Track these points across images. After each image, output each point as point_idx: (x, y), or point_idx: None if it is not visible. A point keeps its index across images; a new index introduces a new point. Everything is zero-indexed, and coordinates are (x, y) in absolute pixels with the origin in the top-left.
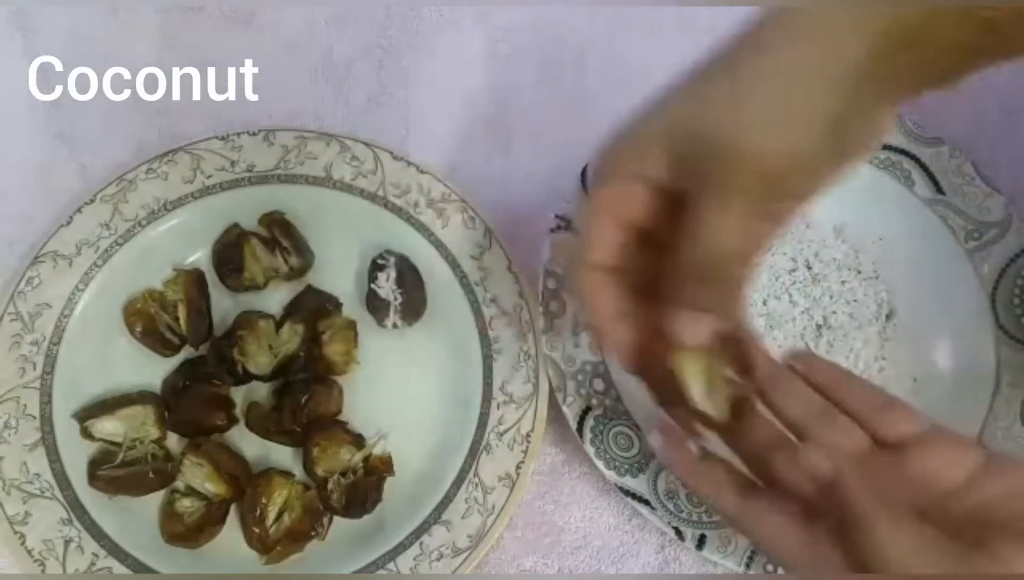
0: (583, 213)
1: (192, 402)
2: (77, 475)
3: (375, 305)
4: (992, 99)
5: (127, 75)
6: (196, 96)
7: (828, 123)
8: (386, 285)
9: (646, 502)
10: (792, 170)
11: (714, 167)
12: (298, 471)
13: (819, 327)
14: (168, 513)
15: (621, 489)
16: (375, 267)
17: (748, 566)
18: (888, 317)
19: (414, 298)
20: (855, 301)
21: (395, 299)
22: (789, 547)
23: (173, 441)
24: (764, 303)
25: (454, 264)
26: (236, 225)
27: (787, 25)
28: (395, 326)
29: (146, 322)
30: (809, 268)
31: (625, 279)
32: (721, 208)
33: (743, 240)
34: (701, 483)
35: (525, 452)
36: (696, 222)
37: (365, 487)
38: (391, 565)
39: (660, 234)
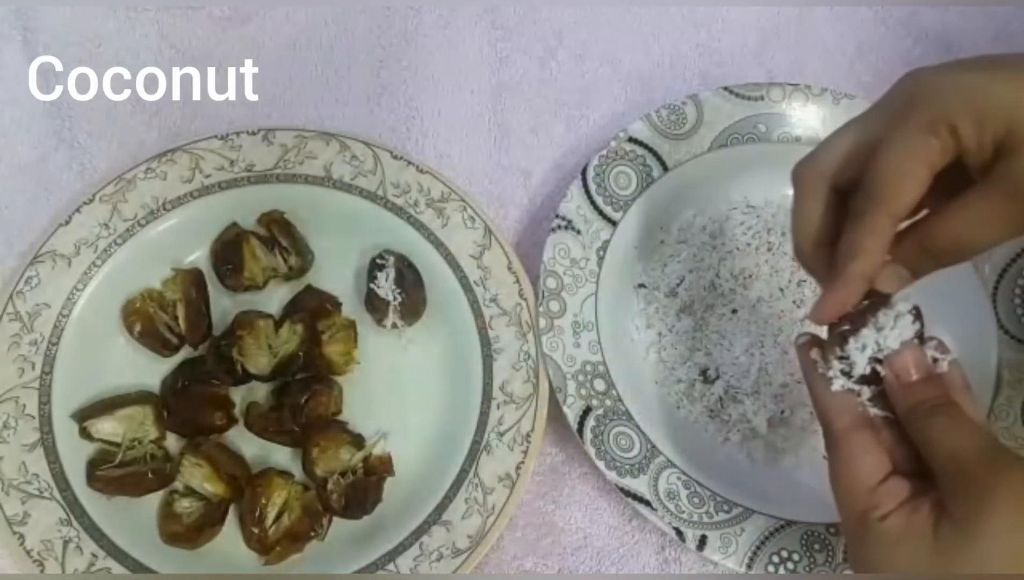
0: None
1: (191, 402)
2: (76, 475)
3: (374, 305)
4: None
5: (127, 75)
6: (196, 96)
7: None
8: (385, 285)
9: (647, 503)
10: None
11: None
12: (297, 471)
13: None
14: (167, 513)
15: (621, 489)
16: (374, 267)
17: (749, 567)
18: None
19: (413, 298)
20: None
21: (394, 299)
22: (858, 489)
23: (172, 441)
24: (767, 304)
25: (454, 264)
26: (235, 224)
27: None
28: (394, 326)
29: (145, 322)
30: None
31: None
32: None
33: (1000, 235)
34: (824, 393)
35: (525, 452)
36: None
37: (365, 487)
38: (391, 565)
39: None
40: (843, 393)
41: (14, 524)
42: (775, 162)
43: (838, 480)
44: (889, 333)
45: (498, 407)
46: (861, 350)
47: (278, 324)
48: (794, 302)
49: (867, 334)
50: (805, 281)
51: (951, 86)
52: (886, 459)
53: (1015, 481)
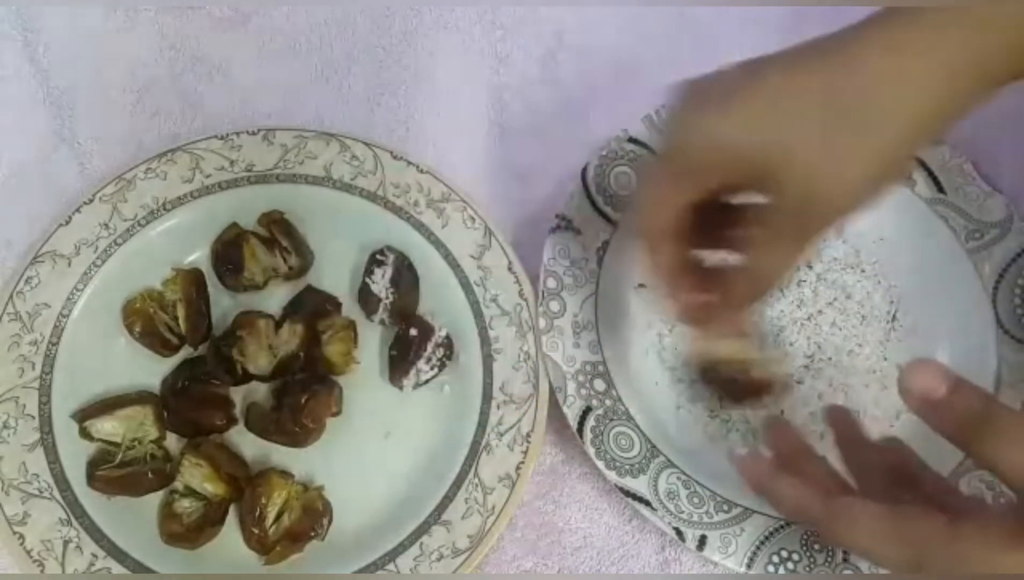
0: (647, 181)
1: (191, 402)
2: (76, 475)
3: (366, 299)
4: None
5: (127, 75)
6: (195, 96)
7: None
8: (380, 281)
9: (647, 503)
10: (856, 198)
11: (784, 194)
12: (297, 471)
13: (821, 326)
14: (167, 513)
15: (621, 489)
16: (373, 261)
17: (749, 567)
18: (889, 316)
19: (406, 300)
20: (857, 301)
21: (386, 297)
22: (881, 530)
23: (172, 441)
24: (767, 304)
25: (454, 264)
26: (235, 225)
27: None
28: (382, 323)
29: (145, 322)
30: (811, 268)
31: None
32: (774, 236)
33: (786, 263)
34: (785, 490)
35: (525, 452)
36: (751, 240)
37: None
38: (391, 565)
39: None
40: (800, 483)
41: (14, 524)
42: None
43: (859, 542)
44: None
45: (498, 407)
46: None
47: (278, 324)
48: (794, 302)
49: None
50: (804, 281)
51: (697, 139)
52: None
53: None
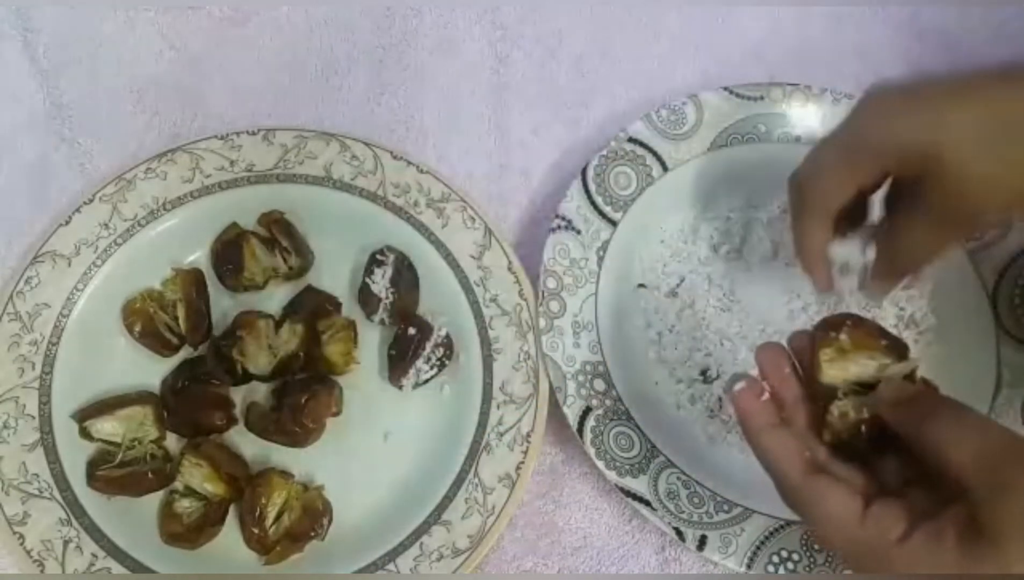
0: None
1: (191, 402)
2: (76, 475)
3: (366, 299)
4: None
5: (127, 75)
6: (195, 96)
7: None
8: (380, 281)
9: (647, 503)
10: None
11: (936, 193)
12: (297, 471)
13: None
14: (167, 513)
15: (621, 489)
16: (373, 261)
17: (749, 567)
18: (890, 316)
19: (406, 300)
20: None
21: (386, 297)
22: (848, 535)
23: (172, 441)
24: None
25: (454, 264)
26: (235, 224)
27: None
28: (382, 323)
29: (145, 322)
30: None
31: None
32: (922, 226)
33: (927, 251)
34: (770, 444)
35: (525, 452)
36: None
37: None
38: (391, 565)
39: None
40: (788, 441)
41: (14, 524)
42: (775, 162)
43: (820, 526)
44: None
45: (498, 407)
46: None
47: (278, 324)
48: (800, 307)
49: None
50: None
51: (887, 129)
52: (855, 492)
53: None
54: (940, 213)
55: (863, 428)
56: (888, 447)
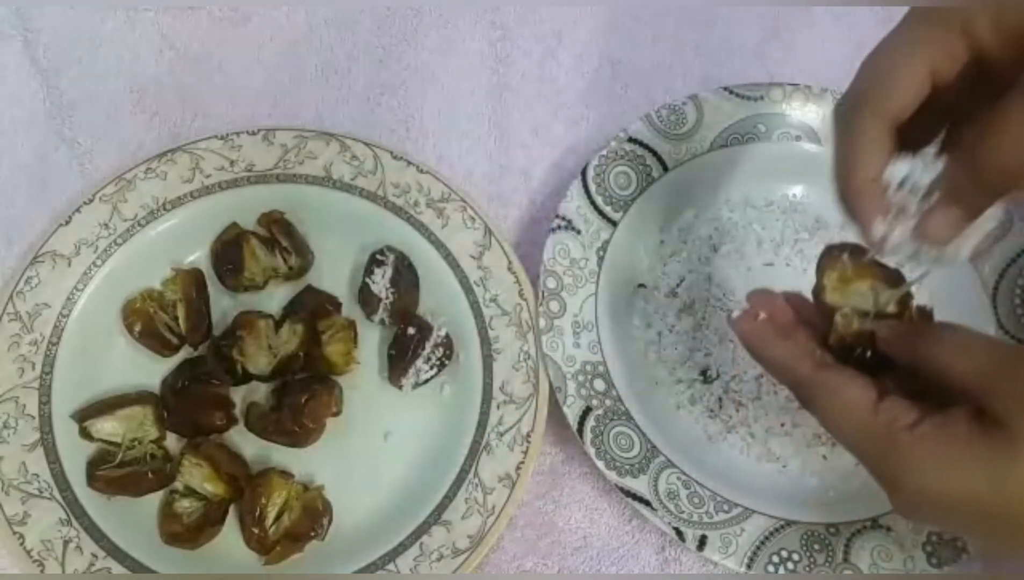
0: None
1: (191, 402)
2: (76, 475)
3: (366, 299)
4: None
5: (127, 75)
6: (195, 96)
7: None
8: (380, 281)
9: (647, 503)
10: None
11: None
12: (297, 471)
13: None
14: (167, 513)
15: (621, 489)
16: (373, 261)
17: (749, 567)
18: None
19: (406, 300)
20: None
21: (386, 297)
22: (859, 422)
23: (172, 441)
24: None
25: (454, 264)
26: (235, 224)
27: None
28: (382, 323)
29: (145, 322)
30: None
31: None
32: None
33: None
34: (776, 351)
35: (525, 452)
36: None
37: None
38: (391, 565)
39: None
40: (794, 345)
41: (14, 524)
42: (775, 162)
43: (834, 417)
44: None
45: (498, 407)
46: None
47: (278, 324)
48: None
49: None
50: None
51: None
52: (869, 382)
53: None
54: None
55: (867, 339)
56: (893, 364)
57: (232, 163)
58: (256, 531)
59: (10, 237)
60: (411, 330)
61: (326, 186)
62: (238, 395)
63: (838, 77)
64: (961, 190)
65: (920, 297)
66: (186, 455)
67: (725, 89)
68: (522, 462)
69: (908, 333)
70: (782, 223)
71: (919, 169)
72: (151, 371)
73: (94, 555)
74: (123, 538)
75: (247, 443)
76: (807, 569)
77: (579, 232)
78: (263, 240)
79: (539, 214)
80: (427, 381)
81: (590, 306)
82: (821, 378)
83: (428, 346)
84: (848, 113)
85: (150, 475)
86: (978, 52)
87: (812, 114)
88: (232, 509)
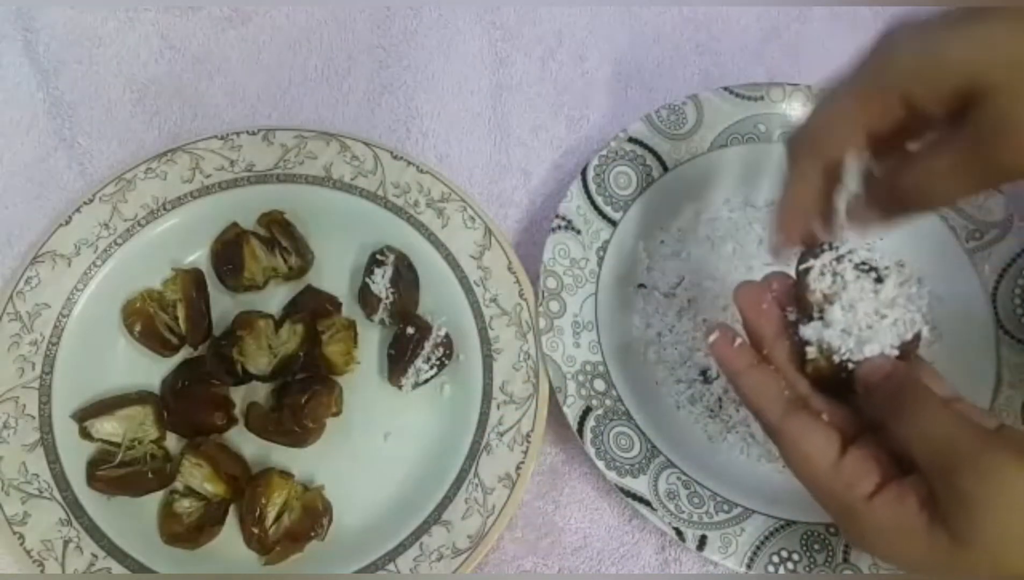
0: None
1: (191, 402)
2: (76, 475)
3: (366, 299)
4: None
5: (127, 75)
6: (195, 96)
7: None
8: (380, 281)
9: (647, 503)
10: None
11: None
12: (297, 471)
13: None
14: (167, 513)
15: (622, 490)
16: (373, 261)
17: (749, 567)
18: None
19: (406, 299)
20: None
21: (387, 297)
22: (820, 479)
23: (172, 441)
24: None
25: (454, 264)
26: (235, 224)
27: None
28: (382, 323)
29: (145, 322)
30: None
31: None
32: (957, 161)
33: (952, 195)
34: (748, 385)
35: (525, 452)
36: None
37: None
38: (391, 565)
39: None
40: (767, 380)
41: (14, 524)
42: (775, 162)
43: (796, 469)
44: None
45: (498, 407)
46: (819, 280)
47: (278, 324)
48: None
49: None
50: None
51: (909, 49)
52: (833, 434)
53: (1008, 480)
54: (975, 150)
55: (843, 364)
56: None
57: (232, 163)
58: (256, 531)
59: (10, 237)
60: (411, 330)
61: (326, 186)
62: (238, 395)
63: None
64: (879, 198)
65: (921, 297)
66: (186, 455)
67: (725, 89)
68: (522, 462)
69: (885, 391)
70: None
71: (851, 177)
72: (151, 371)
73: (94, 555)
74: (123, 538)
75: (247, 443)
76: (807, 569)
77: (579, 232)
78: (263, 240)
79: (539, 214)
80: (427, 381)
81: (590, 306)
82: (786, 427)
83: (428, 346)
84: (793, 150)
85: (150, 475)
86: (914, 112)
87: None
88: (232, 509)
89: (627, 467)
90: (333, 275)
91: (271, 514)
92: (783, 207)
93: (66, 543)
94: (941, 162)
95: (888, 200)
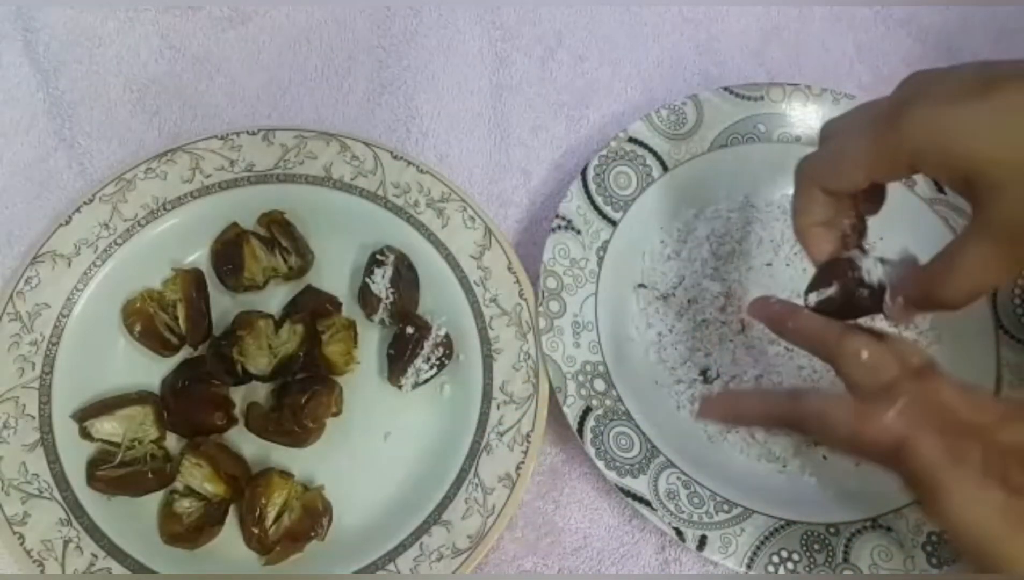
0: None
1: (191, 402)
2: (76, 475)
3: (366, 299)
4: None
5: (127, 75)
6: (195, 96)
7: None
8: (380, 281)
9: (647, 503)
10: None
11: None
12: (297, 471)
13: None
14: (167, 513)
15: (621, 490)
16: (373, 261)
17: (749, 567)
18: None
19: (406, 299)
20: None
21: (387, 298)
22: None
23: (172, 441)
24: None
25: (454, 264)
26: (235, 224)
27: None
28: (382, 323)
29: (145, 322)
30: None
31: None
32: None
33: (985, 282)
34: (801, 323)
35: (525, 452)
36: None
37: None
38: (391, 565)
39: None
40: (814, 316)
41: (14, 524)
42: (775, 162)
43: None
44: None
45: (498, 407)
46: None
47: (278, 324)
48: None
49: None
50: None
51: (922, 126)
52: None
53: None
54: (1001, 248)
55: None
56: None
57: (232, 163)
58: (256, 531)
59: (10, 237)
60: (411, 330)
61: (326, 186)
62: (238, 395)
63: (838, 77)
64: (919, 304)
65: None
66: (186, 455)
67: (725, 89)
68: (522, 462)
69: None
70: (782, 223)
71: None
72: (151, 371)
73: (94, 555)
74: (123, 538)
75: (247, 443)
76: (807, 569)
77: (579, 232)
78: (263, 240)
79: (539, 214)
80: (427, 381)
81: (590, 306)
82: (846, 341)
83: (428, 346)
84: (803, 175)
85: (150, 475)
86: (920, 171)
87: (812, 114)
88: (232, 509)
89: (627, 467)
90: (333, 275)
91: (271, 514)
92: (797, 232)
93: (66, 543)
94: (972, 261)
95: (926, 304)
